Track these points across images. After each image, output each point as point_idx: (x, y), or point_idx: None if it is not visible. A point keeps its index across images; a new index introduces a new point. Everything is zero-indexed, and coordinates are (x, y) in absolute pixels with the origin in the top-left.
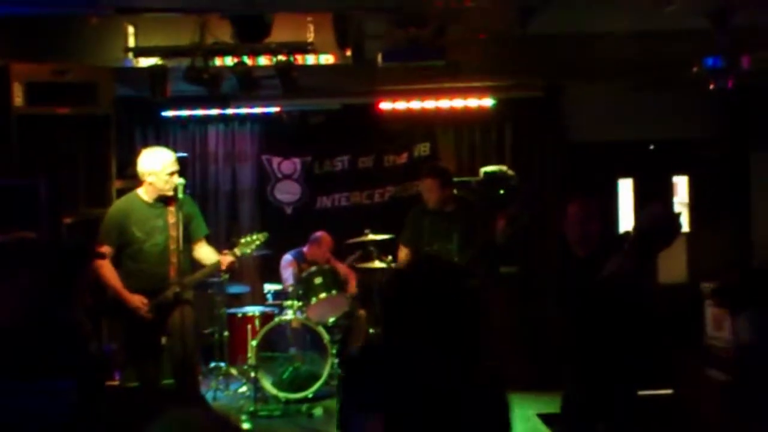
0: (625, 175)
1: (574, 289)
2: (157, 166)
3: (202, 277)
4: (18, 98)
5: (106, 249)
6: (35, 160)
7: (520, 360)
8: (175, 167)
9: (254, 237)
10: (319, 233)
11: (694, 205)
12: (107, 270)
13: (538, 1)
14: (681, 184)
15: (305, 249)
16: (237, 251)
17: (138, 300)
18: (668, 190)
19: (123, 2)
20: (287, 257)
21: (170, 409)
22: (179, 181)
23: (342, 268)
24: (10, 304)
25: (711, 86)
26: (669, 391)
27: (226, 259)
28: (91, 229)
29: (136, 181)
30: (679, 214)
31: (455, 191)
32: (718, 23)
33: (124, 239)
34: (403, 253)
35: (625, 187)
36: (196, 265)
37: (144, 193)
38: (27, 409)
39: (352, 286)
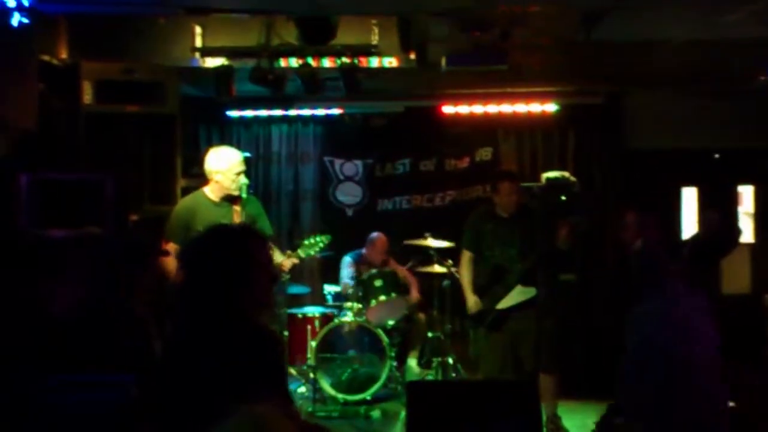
0: (689, 184)
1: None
2: (225, 165)
3: None
4: (87, 96)
5: (171, 246)
6: (102, 157)
7: (579, 367)
8: (242, 167)
9: (317, 239)
10: (374, 234)
11: (759, 216)
12: (173, 267)
13: (602, 7)
14: (746, 193)
15: (364, 251)
16: (300, 253)
17: None
18: (733, 200)
19: (191, 2)
20: (347, 259)
21: (243, 407)
22: (244, 181)
23: (402, 271)
24: (74, 296)
25: None
26: (731, 404)
27: (289, 261)
28: (157, 227)
29: (200, 179)
30: (736, 223)
31: None
32: None
33: (189, 237)
34: (466, 257)
35: (689, 196)
36: None
37: (210, 192)
38: (88, 401)
39: (415, 293)
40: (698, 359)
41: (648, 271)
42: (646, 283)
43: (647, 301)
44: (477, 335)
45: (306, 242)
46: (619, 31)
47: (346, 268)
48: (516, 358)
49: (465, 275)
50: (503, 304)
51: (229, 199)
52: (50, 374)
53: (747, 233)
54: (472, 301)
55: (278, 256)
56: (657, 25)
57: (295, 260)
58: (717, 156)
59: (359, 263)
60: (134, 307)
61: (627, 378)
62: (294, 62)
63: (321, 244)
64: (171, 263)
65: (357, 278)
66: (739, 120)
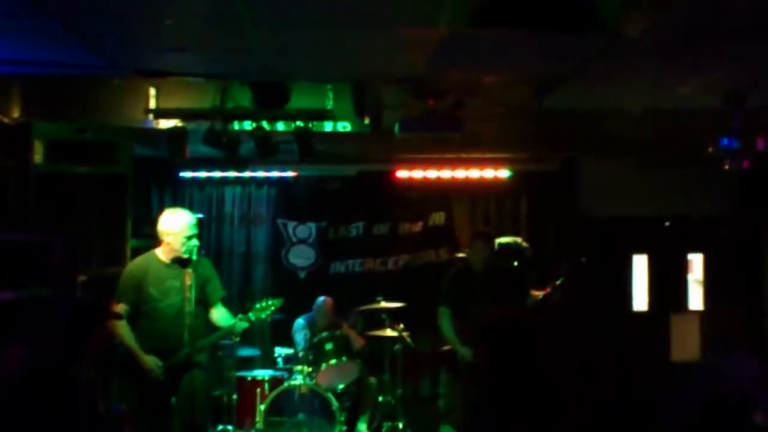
0: (640, 251)
1: None
2: (176, 228)
3: (216, 340)
4: (38, 155)
5: (122, 307)
6: (52, 216)
7: None
8: (194, 231)
9: (269, 302)
10: (320, 299)
11: (708, 283)
12: (123, 329)
13: (555, 78)
14: (696, 261)
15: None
16: (251, 316)
17: (152, 362)
18: (683, 267)
19: (144, 65)
20: (300, 321)
21: None
22: (195, 243)
23: (353, 334)
24: (19, 360)
25: (725, 167)
26: None
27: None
28: (106, 288)
29: (151, 240)
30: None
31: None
32: (733, 104)
33: (140, 298)
34: (446, 314)
35: (640, 263)
36: (211, 327)
37: (161, 253)
38: None
39: (360, 341)
40: None
41: None
42: None
43: None
44: (453, 388)
45: (258, 305)
46: (573, 100)
47: (301, 330)
48: None
49: (447, 329)
50: None
51: (180, 262)
52: None
53: (697, 300)
54: (463, 351)
55: (229, 319)
56: (610, 94)
57: (245, 324)
58: (667, 224)
59: (311, 326)
60: (81, 371)
61: None
62: (248, 125)
63: (273, 308)
64: (122, 325)
65: (308, 341)
66: (690, 188)
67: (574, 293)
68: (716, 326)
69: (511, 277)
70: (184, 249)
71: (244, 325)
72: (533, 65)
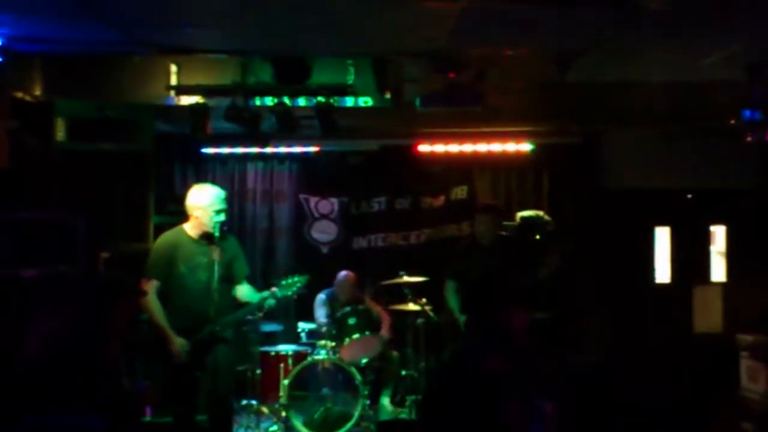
0: (662, 224)
1: None
2: (206, 202)
3: (243, 317)
4: (60, 133)
5: (153, 283)
6: (75, 194)
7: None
8: (223, 205)
9: (295, 279)
10: (341, 274)
11: (731, 255)
12: (154, 306)
13: (576, 50)
14: (719, 233)
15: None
16: (278, 293)
17: (180, 344)
18: (706, 239)
19: (166, 42)
20: (321, 297)
21: None
22: (222, 218)
23: (376, 308)
24: (43, 337)
25: (748, 138)
26: None
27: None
28: (129, 264)
29: (174, 217)
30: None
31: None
32: (754, 76)
33: (170, 274)
34: (451, 287)
35: (662, 236)
36: (237, 303)
37: (190, 229)
38: None
39: (386, 328)
40: None
41: None
42: None
43: None
44: None
45: (284, 282)
46: (595, 73)
47: (321, 306)
48: None
49: (452, 301)
50: None
51: (208, 237)
52: (21, 415)
53: (719, 272)
54: (463, 320)
55: (255, 295)
56: (632, 67)
57: (273, 301)
58: (690, 196)
59: (333, 301)
60: (107, 348)
61: None
62: (269, 101)
63: (299, 284)
64: (152, 302)
65: (331, 316)
66: (712, 161)
67: (566, 282)
68: (738, 299)
69: (519, 250)
70: (212, 224)
71: (272, 302)
72: (554, 38)
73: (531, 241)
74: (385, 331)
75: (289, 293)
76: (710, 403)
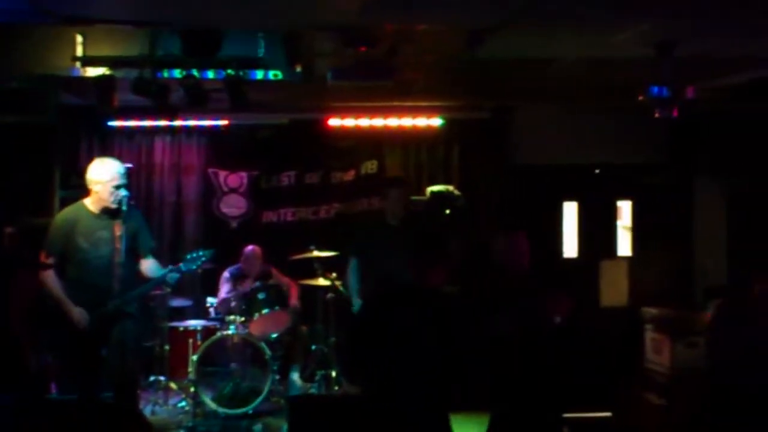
0: (570, 198)
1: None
2: (105, 176)
3: (146, 291)
4: None
5: (50, 258)
6: None
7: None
8: (123, 180)
9: (200, 253)
10: (248, 248)
11: (636, 230)
12: (51, 280)
13: (488, 26)
14: (625, 208)
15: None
16: (182, 267)
17: (78, 313)
18: (612, 214)
19: (71, 12)
20: (225, 274)
21: None
22: (124, 194)
23: (284, 279)
24: None
25: (656, 115)
26: (607, 414)
27: None
28: (34, 239)
29: (80, 191)
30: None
31: None
32: (663, 53)
33: (69, 248)
34: (353, 264)
35: (570, 211)
36: (141, 278)
37: (90, 204)
38: None
39: (294, 297)
40: None
41: None
42: None
43: None
44: None
45: (189, 256)
46: (506, 49)
47: (225, 283)
48: None
49: (352, 280)
50: None
51: (109, 212)
52: None
53: (625, 247)
54: (357, 304)
55: (159, 269)
56: (543, 43)
57: (176, 275)
58: (597, 171)
59: (237, 277)
60: (9, 323)
61: None
62: (178, 73)
63: (204, 258)
64: (50, 276)
65: (236, 292)
66: (620, 137)
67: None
68: (643, 273)
69: (428, 233)
70: (112, 199)
71: (175, 276)
72: (466, 14)
73: (440, 216)
74: (294, 300)
75: (194, 267)
76: (615, 375)
